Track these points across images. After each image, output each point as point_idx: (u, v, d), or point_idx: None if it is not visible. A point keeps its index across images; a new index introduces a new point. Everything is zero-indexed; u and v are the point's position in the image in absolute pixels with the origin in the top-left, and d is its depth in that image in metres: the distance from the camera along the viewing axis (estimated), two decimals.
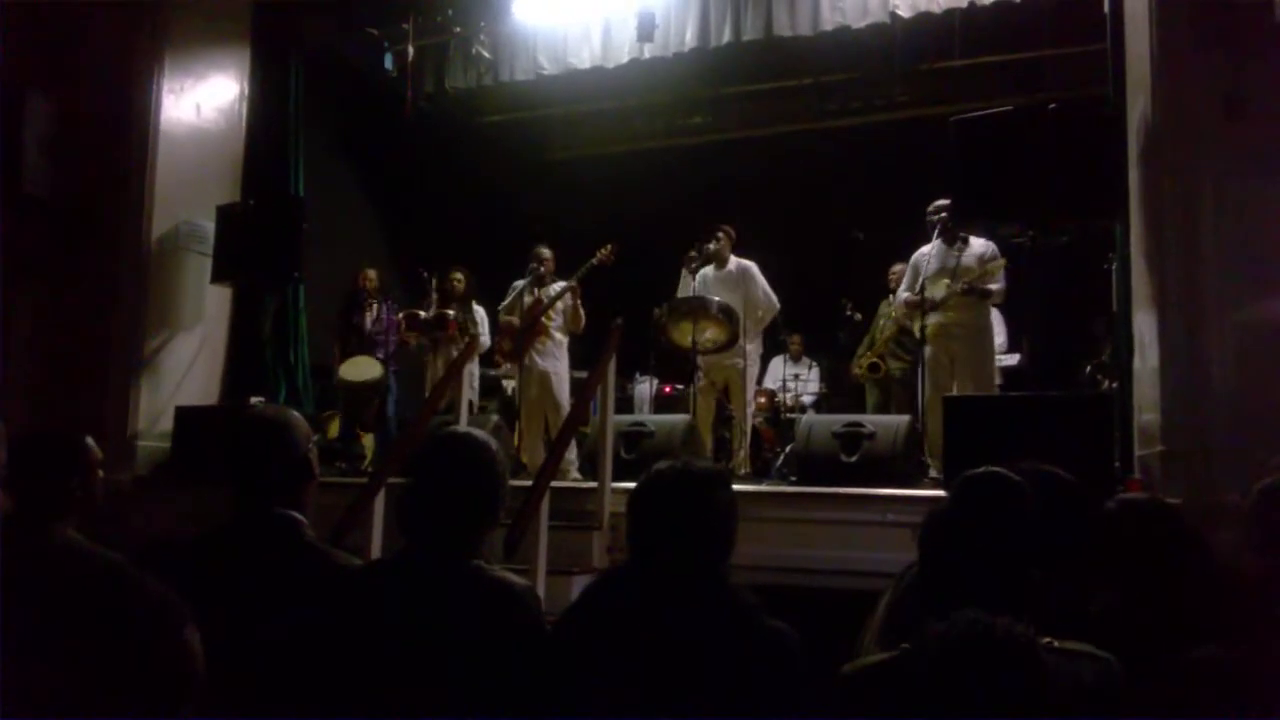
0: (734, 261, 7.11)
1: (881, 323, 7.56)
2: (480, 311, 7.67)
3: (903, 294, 6.66)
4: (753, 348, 7.06)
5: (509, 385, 7.96)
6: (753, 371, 7.16)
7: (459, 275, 7.70)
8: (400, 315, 7.74)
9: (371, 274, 7.93)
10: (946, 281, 6.25)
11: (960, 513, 1.90)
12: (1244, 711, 1.74)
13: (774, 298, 7.12)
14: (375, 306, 7.83)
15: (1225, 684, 1.74)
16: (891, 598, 2.31)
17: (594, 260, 7.10)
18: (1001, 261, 6.21)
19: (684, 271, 7.00)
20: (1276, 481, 2.38)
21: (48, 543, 2.11)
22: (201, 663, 1.82)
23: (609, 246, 7.10)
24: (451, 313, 7.52)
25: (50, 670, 1.68)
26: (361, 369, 7.54)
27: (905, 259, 6.71)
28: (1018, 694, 1.33)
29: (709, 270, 7.04)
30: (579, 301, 7.12)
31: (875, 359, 7.35)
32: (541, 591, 4.19)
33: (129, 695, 1.71)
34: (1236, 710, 1.74)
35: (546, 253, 7.31)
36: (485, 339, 7.54)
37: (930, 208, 6.39)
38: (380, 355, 7.62)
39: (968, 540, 1.85)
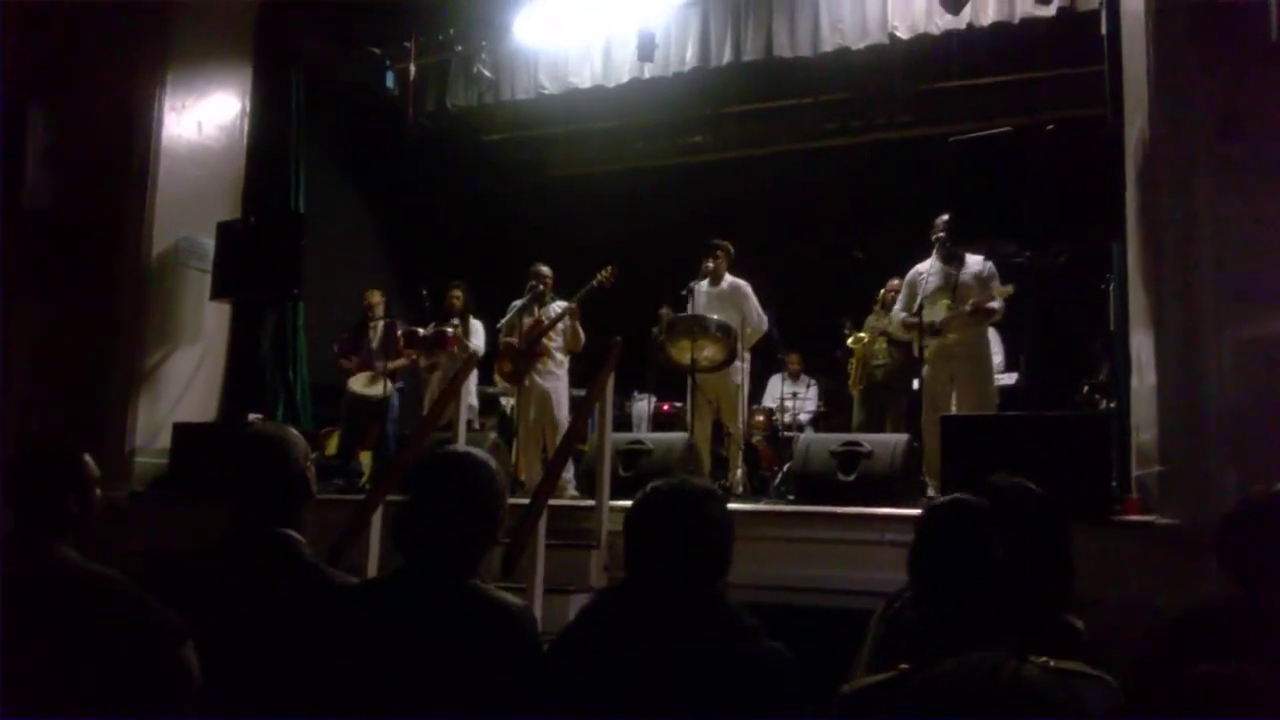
0: (728, 279, 7.13)
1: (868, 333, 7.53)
2: (477, 325, 7.68)
3: (899, 314, 6.67)
4: (741, 364, 7.06)
5: (508, 403, 7.97)
6: (743, 388, 7.17)
7: (457, 291, 7.72)
8: (400, 333, 7.77)
9: (375, 296, 8.01)
10: (946, 301, 6.25)
11: (928, 544, 1.92)
12: None
13: (764, 318, 7.13)
14: (379, 326, 7.89)
15: (1226, 701, 1.73)
16: (882, 620, 2.32)
17: (594, 282, 7.10)
18: (1008, 289, 6.21)
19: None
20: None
21: (46, 561, 2.10)
22: (198, 680, 1.82)
23: (608, 269, 7.10)
24: (450, 329, 7.53)
25: (50, 685, 1.68)
26: (370, 384, 7.62)
27: (900, 275, 6.72)
28: None
29: (703, 285, 7.06)
30: (578, 323, 7.12)
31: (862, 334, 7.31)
32: (538, 611, 4.19)
33: (128, 711, 1.70)
34: None
35: (546, 270, 7.31)
36: (480, 347, 7.54)
37: (936, 223, 6.40)
38: (383, 373, 7.67)
39: (941, 569, 1.87)
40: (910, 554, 1.92)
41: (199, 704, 1.86)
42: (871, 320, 7.59)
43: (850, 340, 7.47)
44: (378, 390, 7.60)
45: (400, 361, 7.82)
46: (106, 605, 1.79)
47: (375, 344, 7.86)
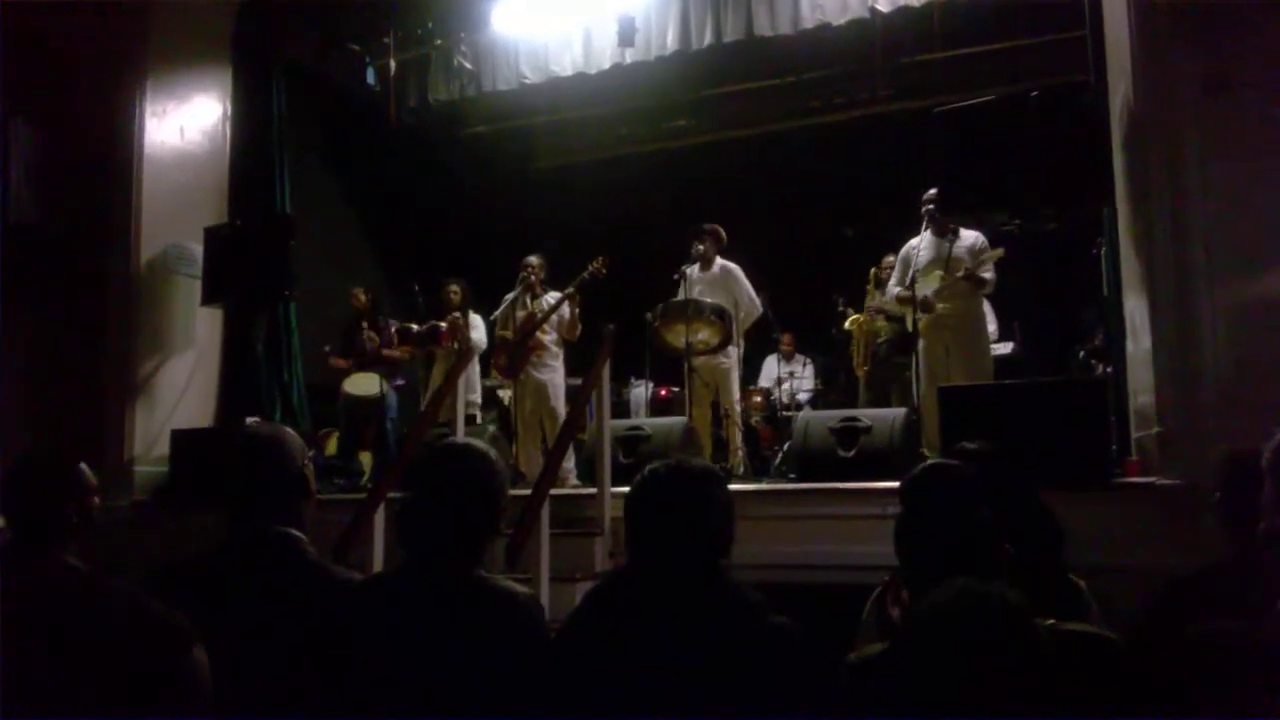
0: (719, 263, 7.13)
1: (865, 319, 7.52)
2: (476, 319, 7.65)
3: (893, 289, 6.67)
4: (733, 348, 7.06)
5: (506, 395, 7.97)
6: (736, 371, 7.17)
7: (455, 287, 7.69)
8: (393, 329, 7.74)
9: (359, 293, 7.94)
10: (940, 273, 6.25)
11: (911, 513, 1.92)
12: (1254, 686, 1.74)
13: (757, 301, 7.13)
14: (368, 325, 7.83)
15: (1226, 658, 1.73)
16: (879, 596, 2.33)
17: (585, 274, 7.09)
18: (998, 252, 6.21)
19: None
20: None
21: (48, 570, 2.10)
22: (209, 682, 1.82)
23: (600, 259, 7.08)
24: (443, 324, 7.51)
25: (60, 693, 1.68)
26: (365, 384, 7.58)
27: (895, 252, 6.71)
28: (1011, 657, 1.30)
29: (694, 270, 7.05)
30: (577, 310, 7.11)
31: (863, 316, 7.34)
32: (545, 599, 4.19)
33: (139, 716, 1.70)
34: (1247, 685, 1.74)
35: (536, 261, 7.30)
36: (482, 340, 7.51)
37: (925, 197, 6.40)
38: (380, 371, 7.65)
39: (927, 536, 1.87)
40: (896, 528, 1.92)
41: (210, 707, 1.85)
42: (869, 302, 7.59)
43: (848, 323, 7.46)
44: (372, 390, 7.57)
45: (395, 352, 7.78)
46: (113, 611, 1.79)
47: (366, 344, 7.79)
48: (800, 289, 8.28)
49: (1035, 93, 5.39)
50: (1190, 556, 3.04)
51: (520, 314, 7.16)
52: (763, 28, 7.44)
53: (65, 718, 1.57)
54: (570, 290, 7.10)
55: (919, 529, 1.89)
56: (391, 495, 4.83)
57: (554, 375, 7.17)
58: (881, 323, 7.29)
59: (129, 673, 1.62)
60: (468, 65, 8.34)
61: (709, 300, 6.82)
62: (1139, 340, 4.91)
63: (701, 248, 7.10)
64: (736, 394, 7.17)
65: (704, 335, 6.76)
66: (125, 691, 1.60)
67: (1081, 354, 7.43)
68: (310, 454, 2.45)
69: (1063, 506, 2.59)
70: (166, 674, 1.66)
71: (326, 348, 7.94)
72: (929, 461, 2.04)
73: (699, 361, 6.88)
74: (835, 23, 7.30)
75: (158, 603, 1.88)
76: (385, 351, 7.70)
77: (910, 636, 1.38)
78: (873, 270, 7.49)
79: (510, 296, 7.25)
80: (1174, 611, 2.20)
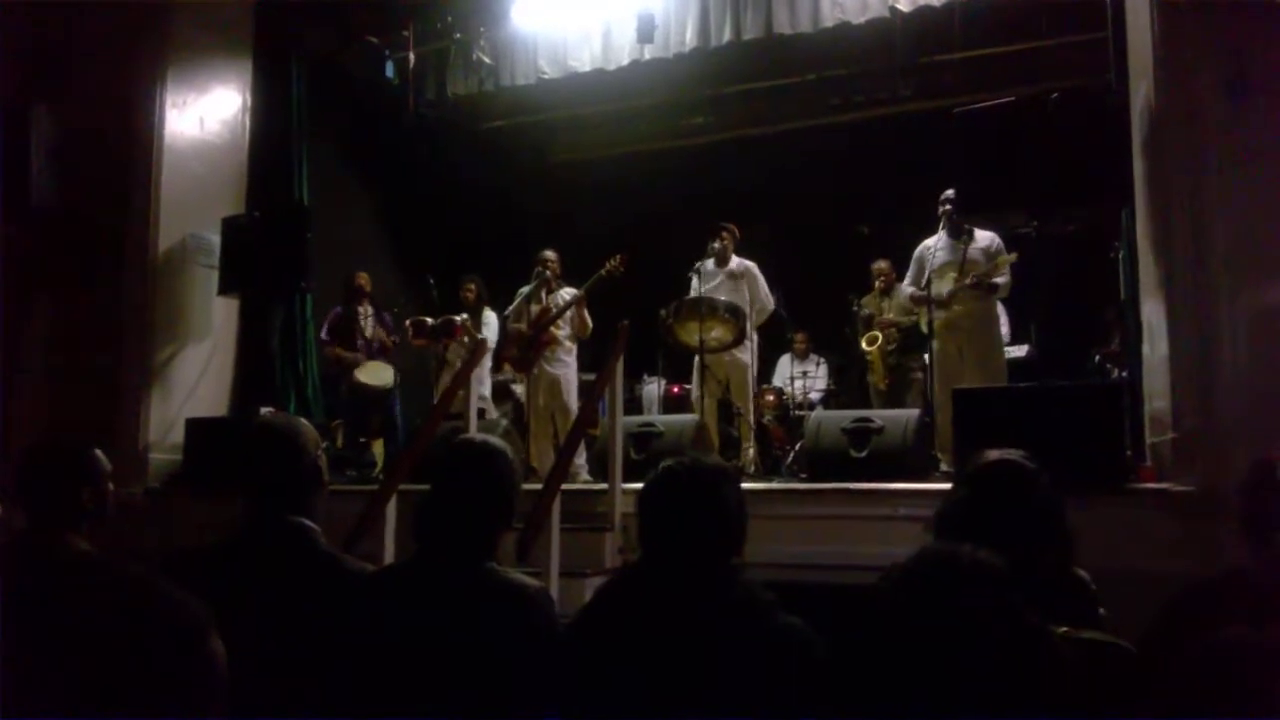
0: (735, 260, 7.12)
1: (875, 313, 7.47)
2: (490, 316, 7.62)
3: (907, 289, 6.65)
4: (749, 343, 7.04)
5: (520, 390, 7.96)
6: (752, 367, 7.16)
7: (471, 284, 7.65)
8: (407, 322, 7.73)
9: (364, 276, 7.79)
10: (953, 275, 6.23)
11: (975, 501, 1.89)
12: (1276, 696, 1.72)
13: (770, 299, 7.11)
14: (369, 313, 7.73)
15: (1256, 665, 1.71)
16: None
17: (603, 271, 7.07)
18: (1012, 256, 6.18)
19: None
20: None
21: (63, 554, 2.11)
22: (225, 672, 1.82)
23: (618, 257, 7.06)
24: (458, 318, 7.49)
25: (72, 682, 1.68)
26: (377, 374, 7.48)
27: (910, 252, 6.68)
28: (983, 615, 1.26)
29: (710, 266, 7.04)
30: (585, 311, 7.10)
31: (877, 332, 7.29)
32: (554, 593, 4.19)
33: (154, 707, 1.70)
34: (1268, 695, 1.72)
35: (552, 256, 7.28)
36: (492, 337, 7.48)
37: (942, 197, 6.37)
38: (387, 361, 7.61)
39: (983, 529, 1.84)
40: (942, 514, 1.89)
41: (227, 695, 1.86)
42: (868, 301, 7.55)
43: (864, 342, 7.43)
44: (386, 380, 7.50)
45: (387, 341, 7.65)
46: (129, 597, 1.80)
47: (369, 332, 7.63)
48: (816, 288, 8.25)
49: (1055, 94, 5.36)
50: (1204, 562, 3.03)
51: (535, 308, 7.16)
52: (782, 26, 7.41)
53: (78, 707, 1.58)
54: (580, 292, 7.08)
55: (979, 517, 1.85)
56: (403, 487, 4.85)
57: (567, 370, 7.17)
58: (892, 333, 7.25)
59: (145, 661, 1.62)
60: (486, 60, 8.34)
61: (723, 298, 6.81)
62: (1156, 345, 4.88)
63: (719, 245, 7.09)
64: (751, 391, 7.15)
65: (718, 333, 6.75)
66: (141, 680, 1.60)
67: (1097, 357, 7.39)
68: (323, 445, 2.46)
69: (1076, 511, 2.57)
70: (183, 663, 1.66)
71: (323, 333, 7.64)
72: (1000, 454, 2.00)
73: (714, 358, 6.87)
74: (855, 22, 7.26)
75: (176, 589, 1.89)
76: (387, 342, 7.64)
77: (876, 600, 1.33)
78: (876, 284, 7.45)
79: (525, 290, 7.24)
80: (1192, 618, 2.18)
